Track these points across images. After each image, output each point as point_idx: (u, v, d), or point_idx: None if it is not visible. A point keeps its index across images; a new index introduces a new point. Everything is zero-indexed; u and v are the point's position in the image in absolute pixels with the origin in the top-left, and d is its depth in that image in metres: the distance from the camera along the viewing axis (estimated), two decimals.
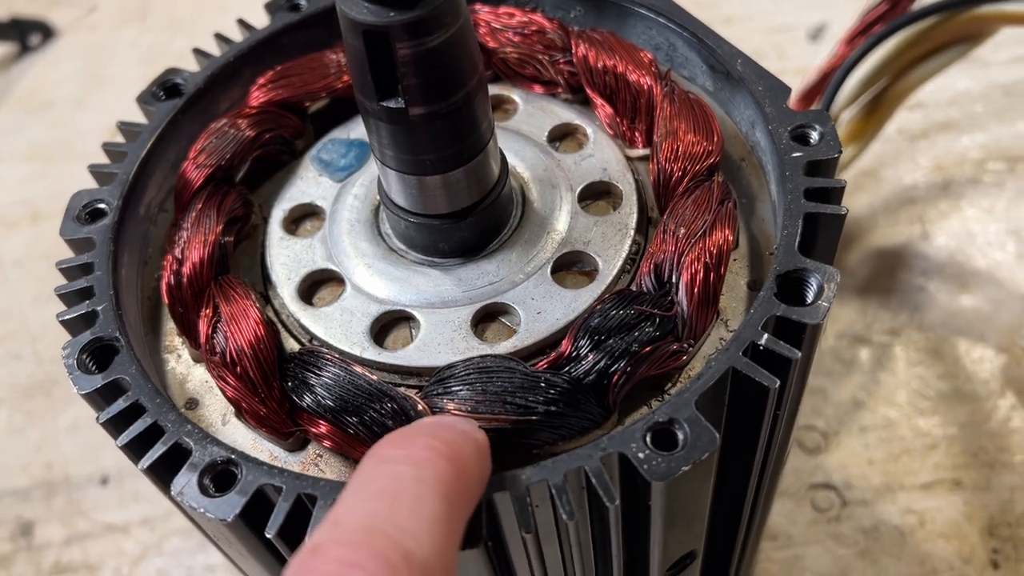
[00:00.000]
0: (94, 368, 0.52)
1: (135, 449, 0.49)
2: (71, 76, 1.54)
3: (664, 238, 0.54)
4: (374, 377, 0.51)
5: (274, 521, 0.45)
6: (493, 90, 0.68)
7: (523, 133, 0.64)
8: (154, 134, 0.63)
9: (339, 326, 0.56)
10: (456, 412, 0.48)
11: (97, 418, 0.50)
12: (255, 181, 0.66)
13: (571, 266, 0.58)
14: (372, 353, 0.54)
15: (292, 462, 0.53)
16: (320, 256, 0.59)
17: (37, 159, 1.41)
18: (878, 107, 1.03)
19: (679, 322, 0.52)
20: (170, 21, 1.60)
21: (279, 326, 0.57)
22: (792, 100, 1.10)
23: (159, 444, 0.48)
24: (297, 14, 0.70)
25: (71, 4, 1.65)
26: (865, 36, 1.03)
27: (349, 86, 0.67)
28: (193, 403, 0.56)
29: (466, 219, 0.56)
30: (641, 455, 0.44)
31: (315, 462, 0.52)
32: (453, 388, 0.50)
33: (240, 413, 0.53)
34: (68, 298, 0.56)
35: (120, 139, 0.64)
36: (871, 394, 1.01)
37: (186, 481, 0.47)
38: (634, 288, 0.54)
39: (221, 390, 0.53)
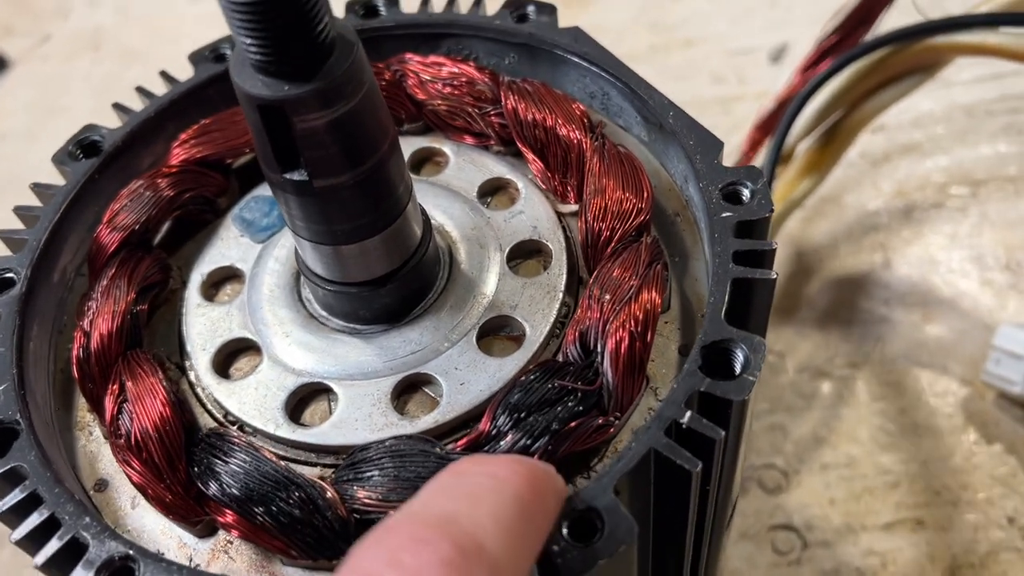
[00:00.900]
0: None
1: (32, 543, 0.47)
2: (24, 107, 1.51)
3: (590, 304, 0.52)
4: (282, 463, 0.48)
5: None
6: (424, 142, 0.66)
7: (453, 188, 0.62)
8: (68, 196, 0.61)
9: (253, 401, 0.53)
10: (367, 500, 0.46)
11: None
12: (176, 242, 0.63)
13: (498, 331, 0.56)
14: (286, 431, 0.52)
15: (202, 549, 0.50)
16: (237, 324, 0.57)
17: None
18: (834, 138, 1.01)
19: (605, 394, 0.50)
20: (123, 52, 1.57)
21: (194, 400, 0.55)
22: (750, 128, 1.09)
23: (55, 539, 0.46)
24: (222, 65, 0.68)
25: (24, 34, 1.62)
26: (820, 66, 1.02)
27: None
28: (103, 484, 0.53)
29: (386, 286, 0.54)
30: (556, 547, 0.42)
31: (225, 549, 0.50)
32: (365, 473, 0.47)
33: (146, 499, 0.50)
34: None
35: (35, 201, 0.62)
36: (832, 430, 0.99)
37: None
38: (560, 357, 0.52)
39: (127, 475, 0.50)
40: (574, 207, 0.61)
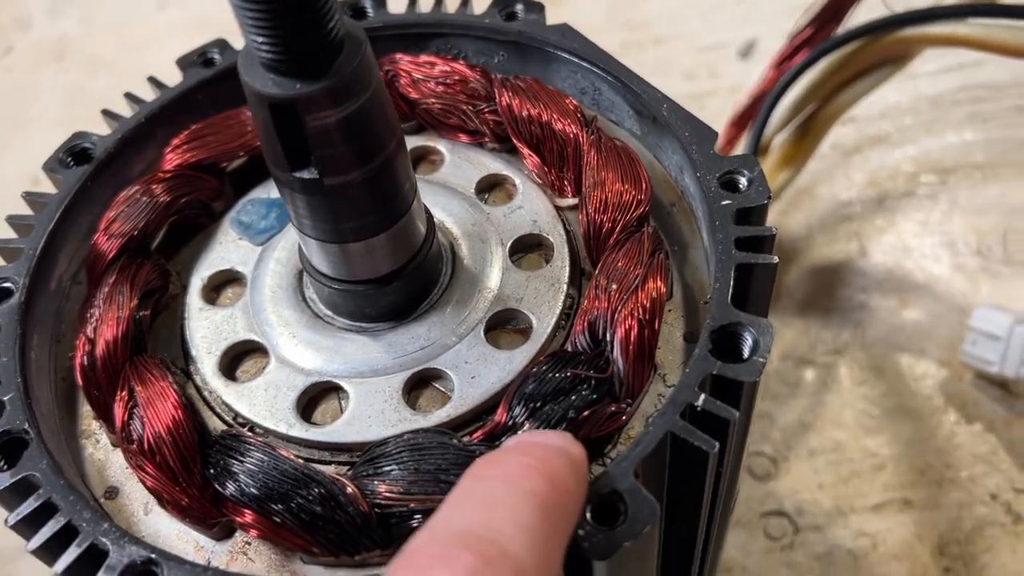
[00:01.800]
0: (2, 465, 0.49)
1: (49, 552, 0.46)
2: None
3: (597, 294, 0.53)
4: (300, 461, 0.48)
5: None
6: (418, 141, 0.66)
7: (450, 185, 0.63)
8: (62, 204, 0.60)
9: (264, 402, 0.53)
10: (389, 495, 0.46)
11: (6, 521, 0.47)
12: (172, 247, 0.63)
13: (505, 324, 0.56)
14: (299, 430, 0.52)
15: (220, 551, 0.50)
16: (242, 327, 0.57)
17: None
18: (809, 130, 1.04)
19: (616, 381, 0.51)
20: (89, 60, 1.55)
21: (201, 404, 0.55)
22: (725, 124, 1.11)
23: (73, 547, 0.45)
24: (211, 69, 0.68)
25: None
26: (793, 60, 1.04)
27: None
28: (113, 492, 0.53)
29: (392, 283, 0.54)
30: (582, 532, 0.43)
31: (243, 550, 0.50)
32: (384, 468, 0.48)
33: (161, 504, 0.50)
34: None
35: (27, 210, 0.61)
36: (817, 416, 1.01)
37: None
38: (569, 347, 0.53)
39: (141, 480, 0.50)
40: (571, 201, 0.61)
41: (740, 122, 1.08)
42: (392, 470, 0.47)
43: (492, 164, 0.64)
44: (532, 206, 0.61)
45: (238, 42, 0.48)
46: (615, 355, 0.51)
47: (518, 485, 0.40)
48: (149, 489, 0.50)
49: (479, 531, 0.37)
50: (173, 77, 0.68)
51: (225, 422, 0.54)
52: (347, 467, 0.51)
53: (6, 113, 1.49)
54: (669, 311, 0.56)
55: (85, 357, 0.54)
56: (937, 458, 0.96)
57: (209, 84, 0.67)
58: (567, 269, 0.57)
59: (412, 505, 0.46)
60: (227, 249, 0.61)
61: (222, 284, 0.61)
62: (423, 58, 0.66)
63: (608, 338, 0.51)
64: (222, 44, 0.69)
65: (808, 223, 1.18)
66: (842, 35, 0.97)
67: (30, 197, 0.61)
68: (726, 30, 1.41)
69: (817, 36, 1.04)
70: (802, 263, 1.14)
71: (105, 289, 0.56)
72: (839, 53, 0.99)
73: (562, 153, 0.61)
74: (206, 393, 0.55)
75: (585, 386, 0.49)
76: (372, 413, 0.52)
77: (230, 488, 0.48)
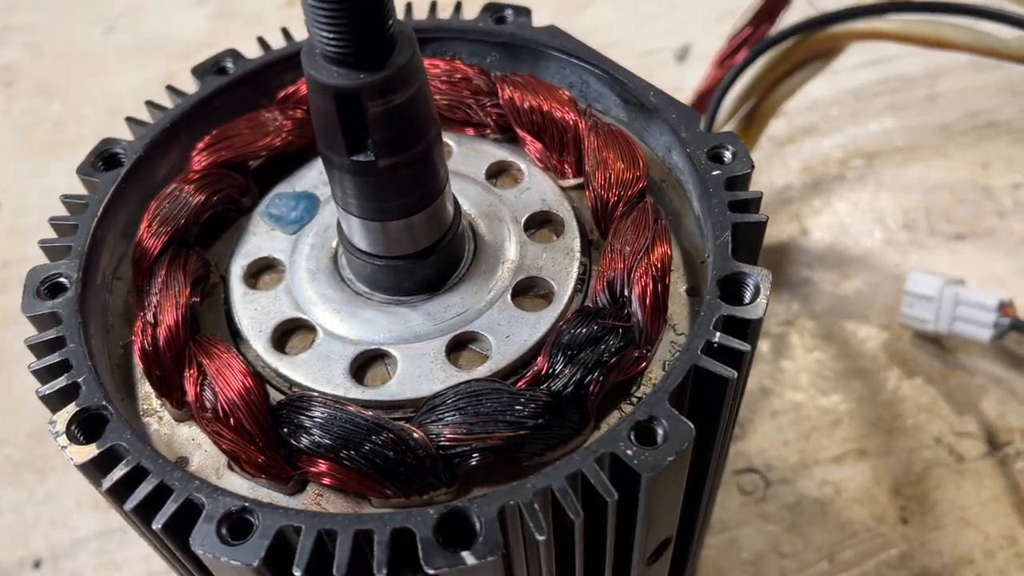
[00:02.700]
0: (83, 439, 0.53)
1: (144, 512, 0.51)
2: None
3: (612, 257, 0.60)
4: (369, 413, 0.54)
5: (299, 560, 0.47)
6: None
7: (463, 173, 0.69)
8: (102, 204, 0.64)
9: (318, 370, 0.58)
10: (453, 436, 0.52)
11: (100, 486, 0.51)
12: (206, 242, 0.68)
13: (528, 291, 0.63)
14: (356, 392, 0.57)
15: (294, 505, 0.55)
16: (287, 306, 0.62)
17: None
18: (752, 122, 1.13)
19: (636, 331, 0.58)
20: (40, 87, 1.55)
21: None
22: None
23: (169, 502, 0.50)
24: (225, 77, 0.73)
25: None
26: (734, 58, 1.14)
27: (287, 143, 0.70)
28: (184, 462, 0.57)
29: (429, 258, 0.60)
30: (630, 452, 0.49)
31: (316, 502, 0.55)
32: (444, 415, 0.53)
33: (238, 464, 0.54)
34: (41, 374, 0.57)
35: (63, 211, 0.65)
36: (777, 381, 1.10)
37: (205, 533, 0.48)
38: (590, 305, 0.59)
39: (216, 444, 0.55)
40: (573, 181, 0.68)
41: None
42: (452, 415, 0.53)
43: (498, 152, 0.70)
44: (539, 187, 0.68)
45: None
46: (634, 308, 0.58)
47: None
48: (226, 452, 0.54)
49: None
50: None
51: (282, 392, 0.59)
52: (404, 423, 0.56)
53: None
54: (672, 270, 0.63)
55: (148, 340, 0.58)
56: (886, 410, 1.06)
57: (224, 91, 0.72)
58: (578, 240, 0.64)
59: (475, 444, 0.52)
60: (262, 239, 0.66)
61: (260, 271, 0.65)
62: (426, 60, 0.72)
63: (627, 294, 0.58)
64: (234, 54, 0.74)
65: None
66: (779, 33, 1.08)
67: (67, 199, 0.65)
68: (661, 37, 1.51)
69: (753, 36, 1.14)
70: None
71: (159, 279, 0.60)
72: (776, 50, 1.09)
73: (562, 139, 0.68)
74: (259, 367, 0.60)
75: (613, 335, 0.56)
76: (420, 373, 0.58)
77: (304, 441, 0.53)
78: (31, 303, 0.59)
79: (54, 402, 0.56)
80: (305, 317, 0.61)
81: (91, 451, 0.52)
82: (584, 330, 0.56)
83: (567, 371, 0.55)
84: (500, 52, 0.75)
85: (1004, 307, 1.03)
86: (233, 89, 0.73)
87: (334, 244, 0.64)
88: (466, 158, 0.70)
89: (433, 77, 0.71)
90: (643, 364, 0.57)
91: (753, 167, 0.63)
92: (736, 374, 0.53)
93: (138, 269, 0.63)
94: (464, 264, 0.63)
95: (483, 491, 0.53)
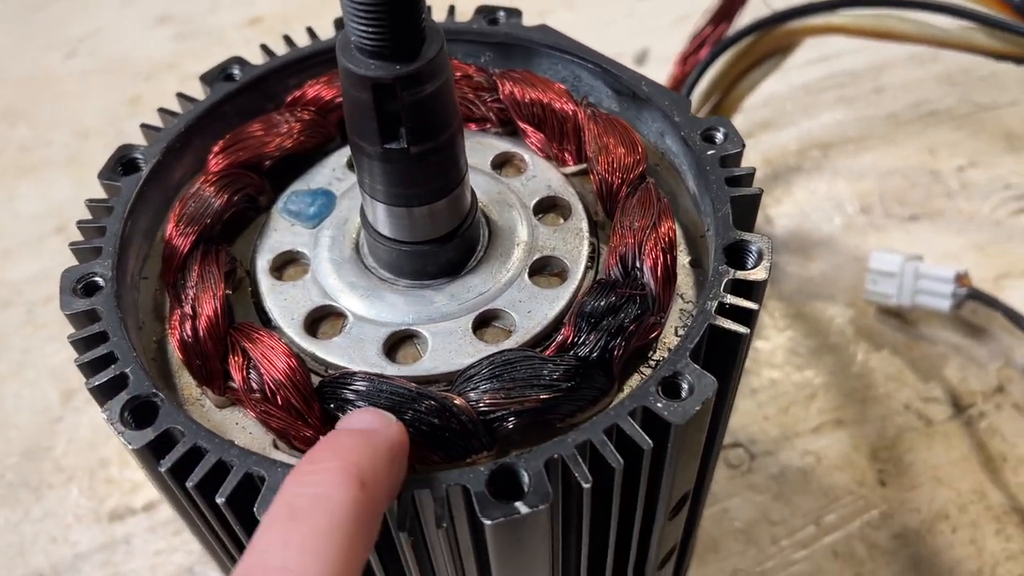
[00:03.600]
0: (134, 426, 0.56)
1: (205, 487, 0.53)
2: None
3: (623, 233, 0.64)
4: (411, 384, 0.57)
5: None
6: None
7: (470, 165, 0.72)
8: (127, 206, 0.67)
9: (353, 351, 0.62)
10: (491, 401, 0.56)
11: (159, 465, 0.54)
12: (228, 239, 0.70)
13: (543, 270, 0.67)
14: (392, 370, 0.60)
15: None
16: (316, 295, 0.65)
17: None
18: None
19: (650, 299, 0.62)
20: (3, 112, 1.55)
21: None
22: None
23: (231, 476, 0.53)
24: (233, 83, 0.76)
25: None
26: (696, 56, 1.20)
27: (298, 143, 0.73)
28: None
29: (451, 242, 0.63)
30: (660, 404, 0.54)
31: None
32: (480, 384, 0.57)
33: (287, 441, 0.57)
34: (86, 368, 0.59)
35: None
36: (753, 360, 1.15)
37: (269, 501, 0.51)
38: (604, 278, 0.64)
39: (265, 424, 0.57)
40: (574, 168, 0.73)
41: None
42: (488, 383, 0.57)
43: (500, 144, 0.74)
44: (544, 175, 0.72)
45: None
46: (646, 279, 0.62)
47: (326, 503, 0.44)
48: (275, 431, 0.57)
49: (271, 563, 0.42)
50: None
51: (319, 375, 0.62)
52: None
53: None
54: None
55: (188, 331, 0.61)
56: (858, 381, 1.12)
57: (233, 97, 0.75)
58: (586, 221, 0.68)
59: (513, 407, 0.56)
60: (283, 235, 0.69)
61: (284, 264, 0.68)
62: None
63: (639, 266, 0.63)
64: (241, 61, 0.77)
65: None
66: (739, 31, 1.14)
67: (92, 203, 0.67)
68: (620, 42, 1.58)
69: (713, 35, 1.20)
70: None
71: (194, 273, 0.63)
72: (736, 48, 1.15)
73: (562, 128, 0.73)
74: (295, 352, 0.63)
75: (631, 303, 0.61)
76: (452, 349, 0.61)
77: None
78: (69, 301, 0.61)
79: (101, 394, 0.58)
80: (334, 304, 0.64)
81: (147, 435, 0.55)
82: (604, 300, 0.60)
83: (592, 338, 0.59)
84: (494, 51, 0.79)
85: (960, 278, 1.11)
86: (240, 95, 0.76)
87: (354, 235, 0.68)
88: (471, 151, 0.74)
89: None
90: (658, 330, 0.62)
91: (744, 146, 0.68)
92: (749, 331, 0.57)
93: (168, 266, 0.65)
94: (481, 248, 0.67)
95: (520, 452, 0.57)
